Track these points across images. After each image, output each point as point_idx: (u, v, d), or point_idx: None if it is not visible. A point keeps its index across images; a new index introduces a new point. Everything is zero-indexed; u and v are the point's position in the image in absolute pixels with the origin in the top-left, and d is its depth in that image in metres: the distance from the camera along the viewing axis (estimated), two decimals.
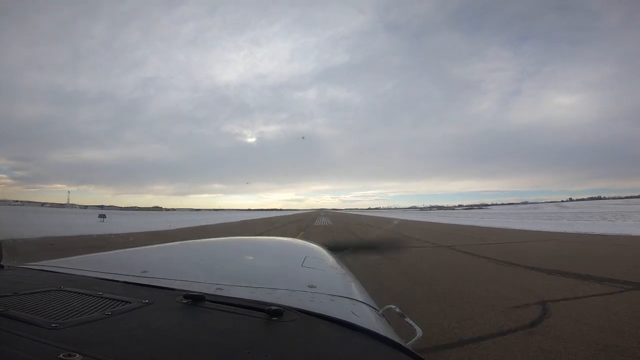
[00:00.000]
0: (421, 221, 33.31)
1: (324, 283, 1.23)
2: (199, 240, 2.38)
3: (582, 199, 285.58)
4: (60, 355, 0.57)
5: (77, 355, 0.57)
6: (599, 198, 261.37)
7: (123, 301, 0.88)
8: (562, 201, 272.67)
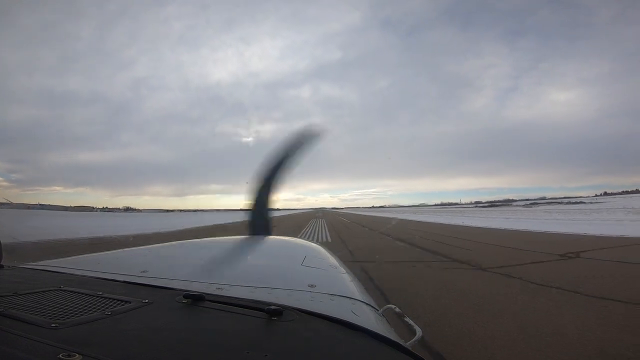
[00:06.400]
0: None
1: (323, 282, 1.22)
2: (199, 240, 2.39)
3: (614, 193, 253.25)
4: (60, 355, 0.56)
5: (77, 355, 0.57)
6: (636, 192, 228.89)
7: (123, 301, 0.88)
8: (595, 195, 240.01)
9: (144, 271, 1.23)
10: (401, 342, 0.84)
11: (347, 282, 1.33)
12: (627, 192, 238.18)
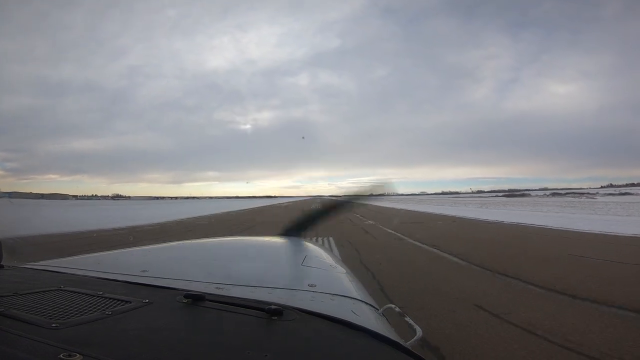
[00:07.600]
0: None
1: (323, 282, 1.22)
2: (199, 240, 2.48)
3: (619, 185, 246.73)
4: (61, 355, 0.56)
5: (77, 355, 0.56)
6: None
7: (123, 301, 0.87)
8: (601, 187, 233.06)
9: (144, 271, 1.22)
10: (401, 341, 0.83)
11: (347, 282, 1.33)
12: (633, 185, 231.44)
